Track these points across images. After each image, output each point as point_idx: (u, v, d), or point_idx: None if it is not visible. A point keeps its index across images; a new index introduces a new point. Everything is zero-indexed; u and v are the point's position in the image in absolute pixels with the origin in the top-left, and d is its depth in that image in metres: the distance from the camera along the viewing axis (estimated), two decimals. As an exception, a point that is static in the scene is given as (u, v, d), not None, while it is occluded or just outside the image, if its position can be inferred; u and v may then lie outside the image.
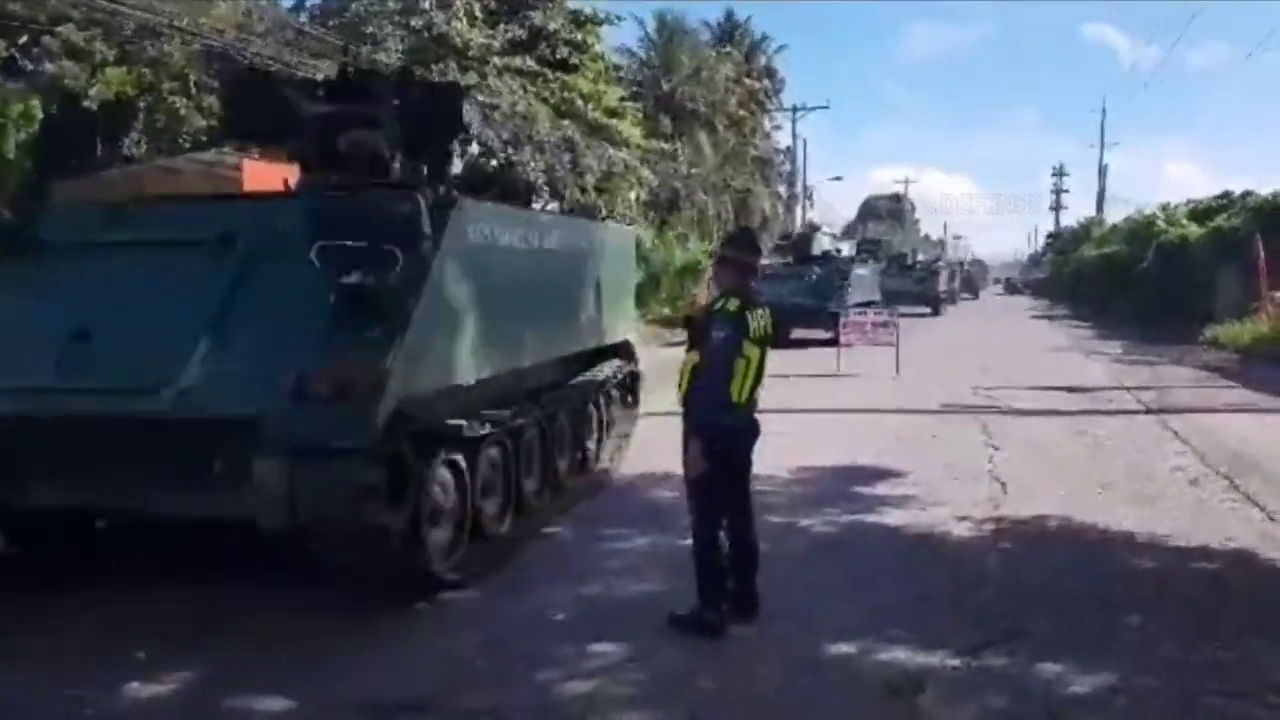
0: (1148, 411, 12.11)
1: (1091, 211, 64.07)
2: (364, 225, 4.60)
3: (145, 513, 4.78)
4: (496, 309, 5.55)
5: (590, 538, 6.32)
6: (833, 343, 19.28)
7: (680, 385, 4.81)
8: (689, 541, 4.83)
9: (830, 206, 42.55)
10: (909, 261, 41.09)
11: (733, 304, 4.65)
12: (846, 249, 26.78)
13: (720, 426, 4.61)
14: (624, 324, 8.53)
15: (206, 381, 4.43)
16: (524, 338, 6.12)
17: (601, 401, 7.97)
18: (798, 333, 19.56)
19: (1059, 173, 76.63)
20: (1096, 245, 48.81)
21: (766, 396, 5.01)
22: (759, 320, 4.70)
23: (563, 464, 7.09)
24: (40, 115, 12.21)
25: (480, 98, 24.63)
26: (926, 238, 77.94)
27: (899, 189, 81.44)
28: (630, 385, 8.81)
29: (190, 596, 5.05)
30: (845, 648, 4.48)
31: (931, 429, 10.76)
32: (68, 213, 5.44)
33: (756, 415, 4.85)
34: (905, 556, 6.01)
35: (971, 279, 67.18)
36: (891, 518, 6.84)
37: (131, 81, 15.62)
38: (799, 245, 25.22)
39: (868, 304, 22.26)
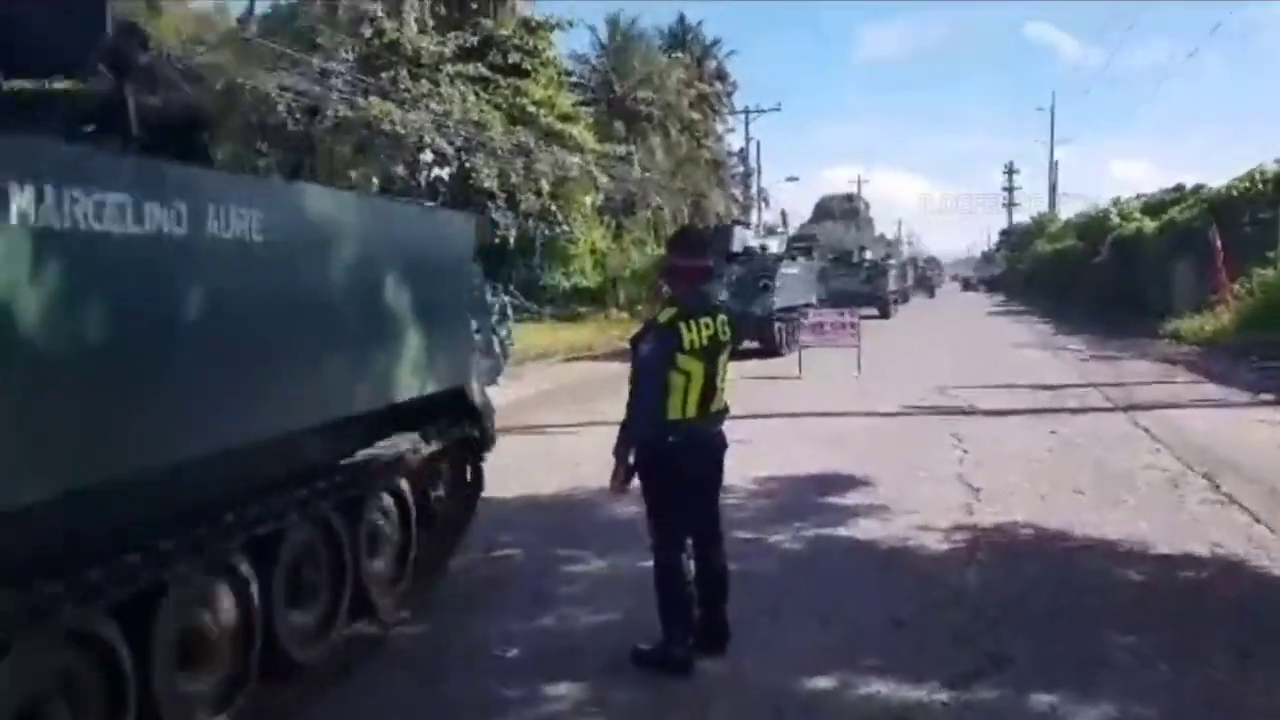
0: (1117, 409, 11.94)
1: (1043, 208, 64.90)
2: None
3: None
4: (91, 351, 2.73)
5: (544, 559, 5.92)
6: (762, 353, 18.88)
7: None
8: (652, 564, 4.44)
9: (786, 208, 42.27)
10: (855, 259, 39.33)
11: (665, 315, 4.31)
12: (774, 245, 23.76)
13: (658, 445, 4.26)
14: (451, 367, 5.17)
15: None
16: (187, 407, 3.13)
17: (392, 502, 4.96)
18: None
19: (1010, 170, 77.63)
20: (1050, 240, 49.32)
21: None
22: (698, 331, 4.30)
23: (301, 620, 4.13)
24: None
25: (433, 105, 24.25)
26: (881, 237, 78.30)
27: (853, 189, 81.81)
28: (461, 467, 5.77)
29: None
30: (823, 682, 4.12)
31: (898, 432, 10.48)
32: None
33: (720, 429, 4.48)
34: (880, 573, 5.68)
35: (927, 277, 67.61)
36: (862, 531, 6.50)
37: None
38: (715, 241, 20.84)
39: (803, 307, 20.90)
